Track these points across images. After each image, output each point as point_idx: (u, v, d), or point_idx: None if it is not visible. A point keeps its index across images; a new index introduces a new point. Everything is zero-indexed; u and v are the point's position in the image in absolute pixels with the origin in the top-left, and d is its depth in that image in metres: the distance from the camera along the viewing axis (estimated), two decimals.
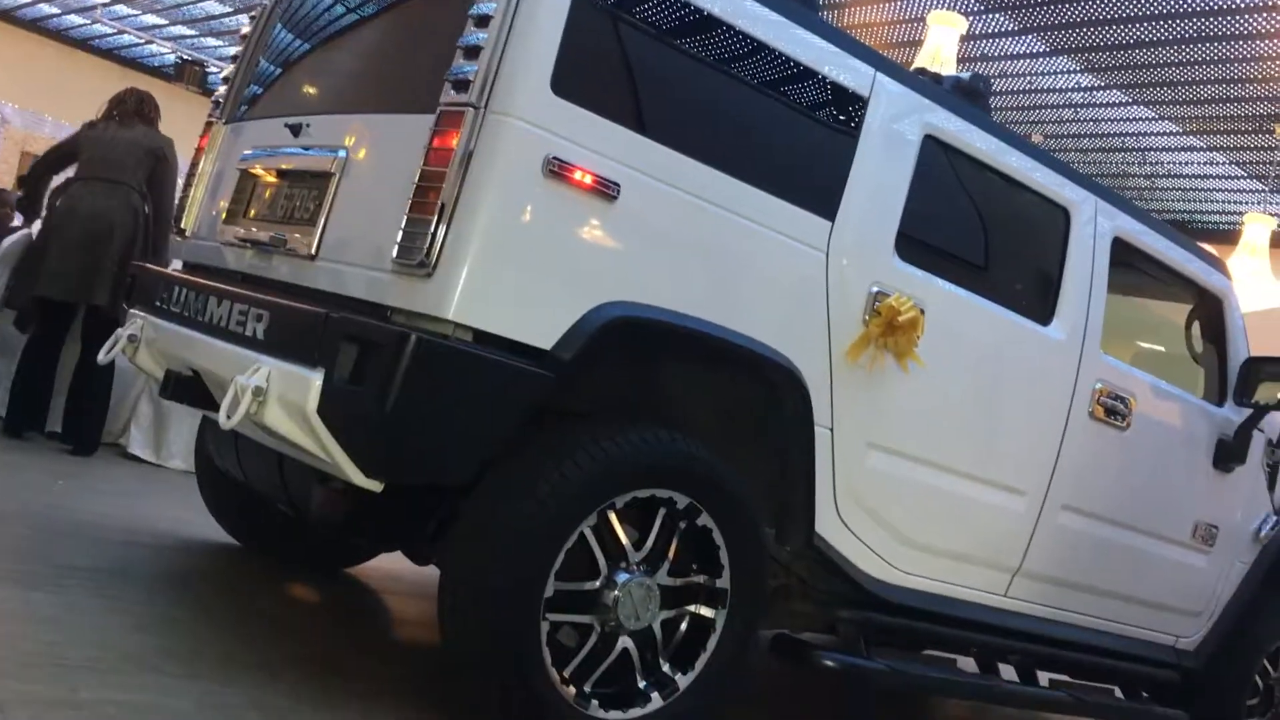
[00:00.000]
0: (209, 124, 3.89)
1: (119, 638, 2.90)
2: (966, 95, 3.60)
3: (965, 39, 7.98)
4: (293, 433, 2.75)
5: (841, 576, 3.34)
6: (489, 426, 2.66)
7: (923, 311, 3.28)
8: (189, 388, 3.24)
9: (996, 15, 8.64)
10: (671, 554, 2.97)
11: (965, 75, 3.64)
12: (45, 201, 5.68)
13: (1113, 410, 3.85)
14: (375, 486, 2.72)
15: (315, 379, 2.64)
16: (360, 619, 3.88)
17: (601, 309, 2.75)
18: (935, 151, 3.42)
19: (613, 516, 2.86)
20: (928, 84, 3.49)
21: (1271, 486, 4.51)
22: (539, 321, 2.69)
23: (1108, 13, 8.21)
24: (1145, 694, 4.44)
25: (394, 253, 2.67)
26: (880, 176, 3.27)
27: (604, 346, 2.76)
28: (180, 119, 6.81)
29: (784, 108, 3.13)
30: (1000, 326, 3.58)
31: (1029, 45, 9.23)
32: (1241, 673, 4.48)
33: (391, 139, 2.91)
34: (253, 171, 3.47)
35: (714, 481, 2.96)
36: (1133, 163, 11.98)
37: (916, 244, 3.38)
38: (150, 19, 15.08)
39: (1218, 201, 12.45)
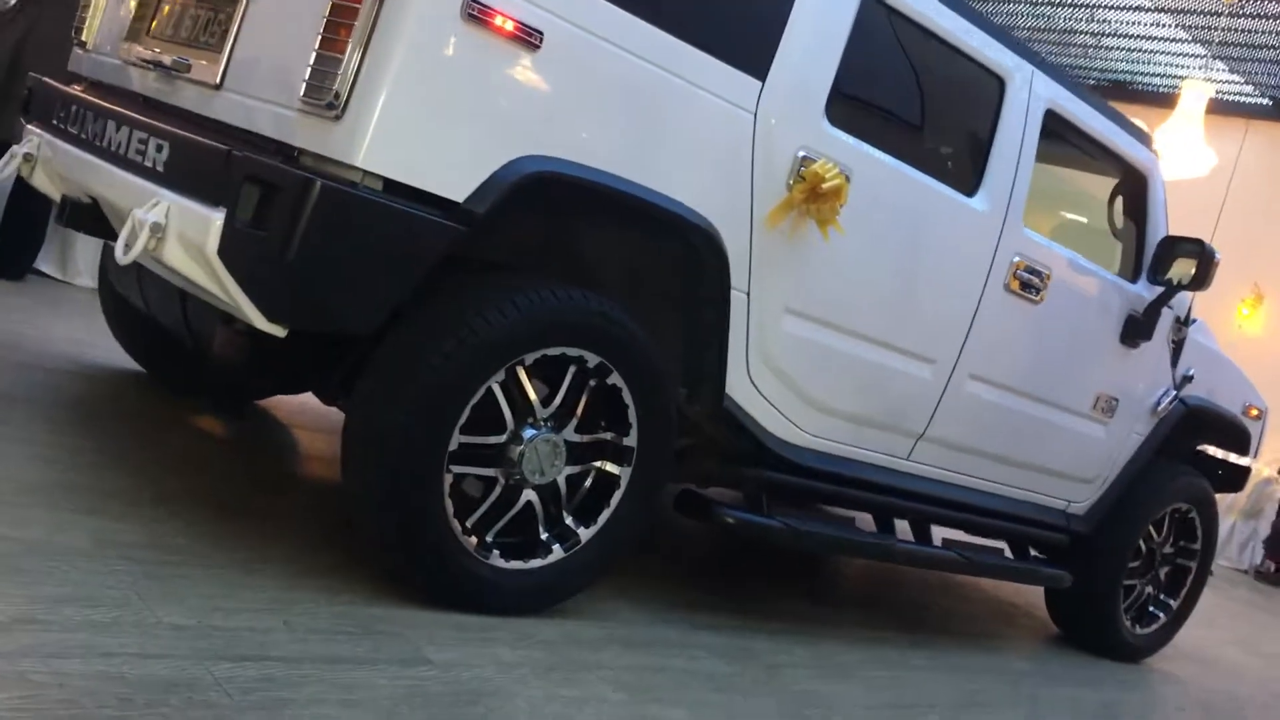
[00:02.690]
0: None
1: (18, 469, 2.86)
2: None
3: None
4: (192, 271, 2.66)
5: (748, 437, 3.38)
6: (395, 278, 2.59)
7: (848, 178, 3.23)
8: (86, 215, 3.12)
9: None
10: (580, 411, 2.98)
11: None
12: None
13: (1028, 284, 3.88)
14: (279, 331, 2.66)
15: (216, 218, 2.54)
16: (265, 453, 3.87)
17: (519, 162, 2.67)
18: (874, 11, 3.32)
19: (521, 372, 2.84)
20: None
21: (1174, 362, 4.62)
22: (452, 172, 2.60)
23: None
24: (1035, 554, 4.63)
25: (302, 90, 2.55)
26: (816, 36, 3.18)
27: (520, 201, 2.69)
28: None
29: None
30: (925, 196, 3.56)
31: None
32: (1126, 537, 4.68)
33: None
34: None
35: (626, 341, 2.94)
36: (1080, 19, 11.84)
37: (847, 108, 3.31)
38: None
39: (1160, 64, 12.40)
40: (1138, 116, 12.10)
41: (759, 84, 3.08)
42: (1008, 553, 4.53)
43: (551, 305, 2.80)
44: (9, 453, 2.95)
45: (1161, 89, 12.70)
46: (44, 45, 4.94)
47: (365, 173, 2.51)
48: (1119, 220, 4.48)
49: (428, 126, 2.56)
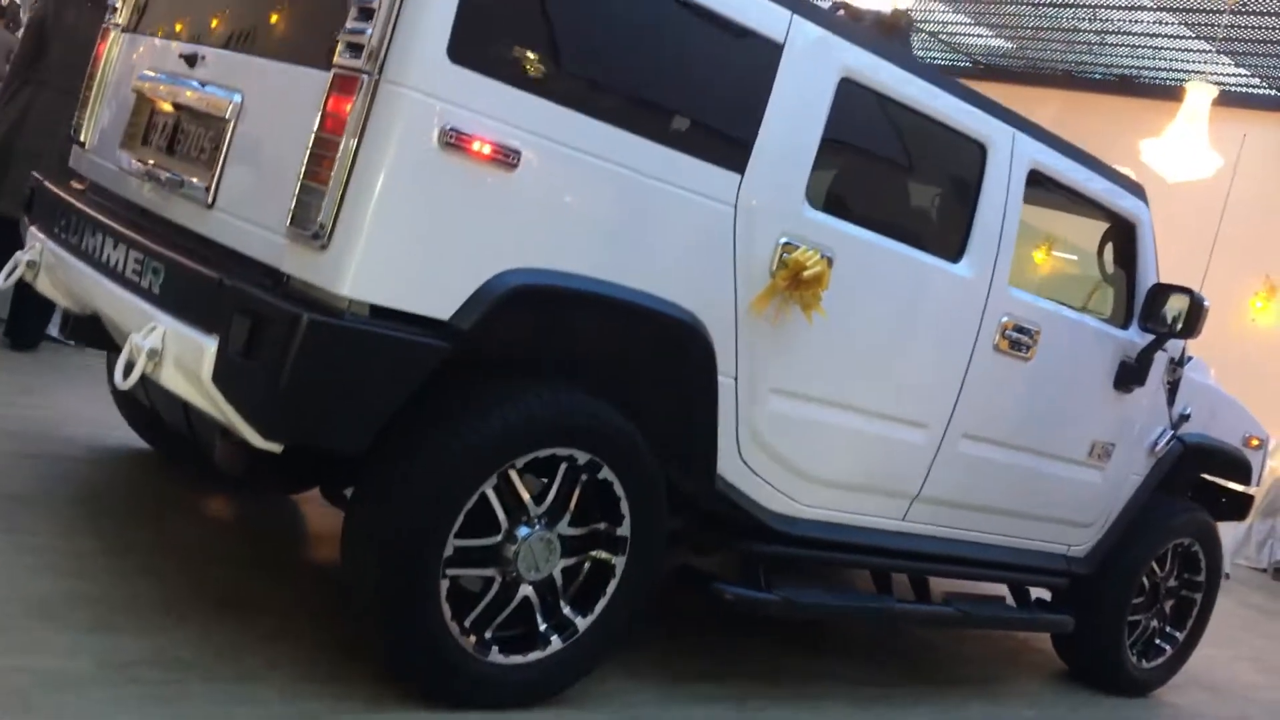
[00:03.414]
0: (105, 30, 3.74)
1: (27, 583, 2.95)
2: (887, 31, 3.52)
3: None
4: (190, 394, 2.76)
5: (742, 513, 3.44)
6: (385, 398, 2.67)
7: (830, 261, 3.29)
8: (89, 328, 3.22)
9: None
10: (573, 505, 3.05)
11: (886, 11, 3.55)
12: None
13: (1017, 343, 3.93)
14: (275, 448, 2.74)
15: (210, 346, 2.63)
16: (272, 538, 3.95)
17: (501, 277, 2.74)
18: (851, 94, 3.36)
19: (513, 474, 2.91)
20: (846, 23, 3.41)
21: (1171, 402, 4.66)
22: (437, 292, 2.68)
23: None
24: (1036, 598, 4.68)
25: (288, 219, 2.63)
26: (794, 125, 3.23)
27: (505, 311, 2.76)
28: None
29: (693, 59, 3.06)
30: (909, 268, 3.61)
31: None
32: (1128, 576, 4.72)
33: (288, 91, 2.82)
34: (149, 95, 3.35)
35: (616, 439, 3.01)
36: (1083, 19, 11.81)
37: (828, 189, 3.38)
38: None
39: (1165, 59, 12.35)
40: (1146, 110, 12.11)
41: (738, 177, 3.14)
42: (1010, 599, 4.59)
43: (540, 410, 2.87)
44: (18, 565, 3.04)
45: (1169, 81, 12.64)
46: (41, 127, 5.05)
47: (352, 301, 2.58)
48: (1109, 266, 4.52)
49: (411, 251, 2.63)
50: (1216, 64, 11.55)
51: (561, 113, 2.79)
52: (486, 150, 2.67)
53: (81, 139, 3.70)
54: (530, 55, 2.79)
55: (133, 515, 3.69)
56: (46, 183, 3.65)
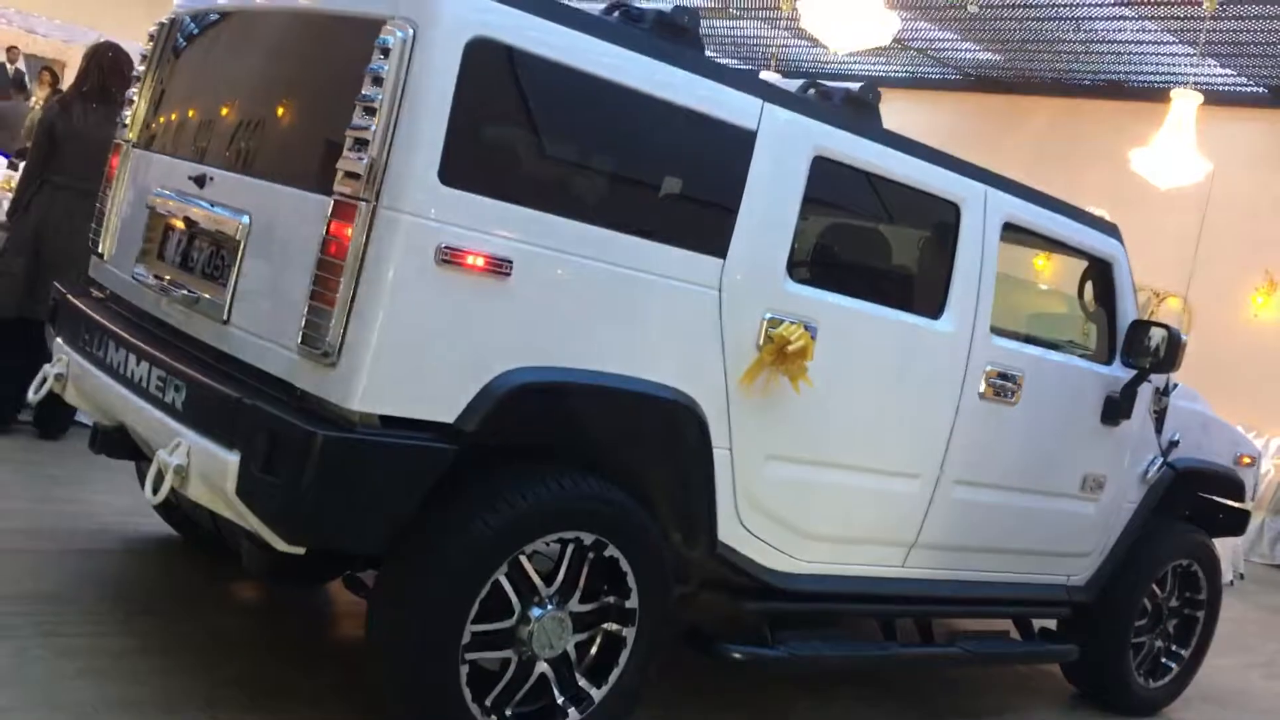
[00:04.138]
0: (118, 145, 3.92)
1: (68, 690, 3.11)
2: (858, 107, 3.70)
3: None
4: (216, 505, 2.94)
5: (745, 574, 3.61)
6: (400, 502, 2.85)
7: (814, 332, 3.46)
8: (118, 443, 3.40)
9: None
10: (582, 583, 3.22)
11: (855, 86, 3.72)
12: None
13: (1002, 390, 4.09)
14: (297, 550, 2.92)
15: (233, 461, 2.82)
16: (304, 623, 4.10)
17: (501, 378, 2.92)
18: (825, 170, 3.53)
19: (524, 560, 3.09)
20: (816, 104, 3.59)
21: (1159, 430, 4.80)
22: (442, 398, 2.86)
23: None
24: (1040, 628, 4.82)
25: (299, 338, 2.81)
26: (770, 207, 3.40)
27: (508, 408, 2.94)
28: None
29: (670, 154, 3.24)
30: (891, 329, 3.78)
31: None
32: (1129, 600, 4.86)
33: (293, 213, 3.00)
34: (162, 212, 3.53)
35: (619, 518, 3.18)
36: (1067, 30, 11.97)
37: (808, 262, 3.55)
38: None
39: (1150, 65, 12.49)
40: (1134, 113, 12.20)
41: (720, 261, 3.31)
42: (1014, 633, 4.73)
43: (546, 499, 3.05)
44: (59, 672, 3.20)
45: (1157, 84, 12.76)
46: (62, 229, 5.24)
47: (362, 414, 2.77)
48: (1090, 304, 4.67)
49: (416, 362, 2.82)
50: (1204, 64, 11.69)
51: (548, 219, 2.97)
52: (480, 263, 2.85)
53: (100, 250, 3.89)
54: (515, 169, 2.98)
55: (169, 609, 3.86)
56: (70, 295, 3.84)
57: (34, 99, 14.22)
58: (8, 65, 16.07)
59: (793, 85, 3.72)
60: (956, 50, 13.66)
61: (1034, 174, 5.02)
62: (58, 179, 5.34)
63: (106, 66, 5.55)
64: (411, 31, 2.76)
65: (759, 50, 15.05)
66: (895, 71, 14.77)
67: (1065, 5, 11.28)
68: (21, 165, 9.17)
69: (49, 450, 5.41)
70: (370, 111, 2.77)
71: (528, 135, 3.01)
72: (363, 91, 2.78)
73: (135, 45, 4.58)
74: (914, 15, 12.08)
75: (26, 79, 15.78)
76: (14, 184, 5.93)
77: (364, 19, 2.87)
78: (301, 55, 3.27)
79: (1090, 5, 11.14)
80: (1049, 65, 13.44)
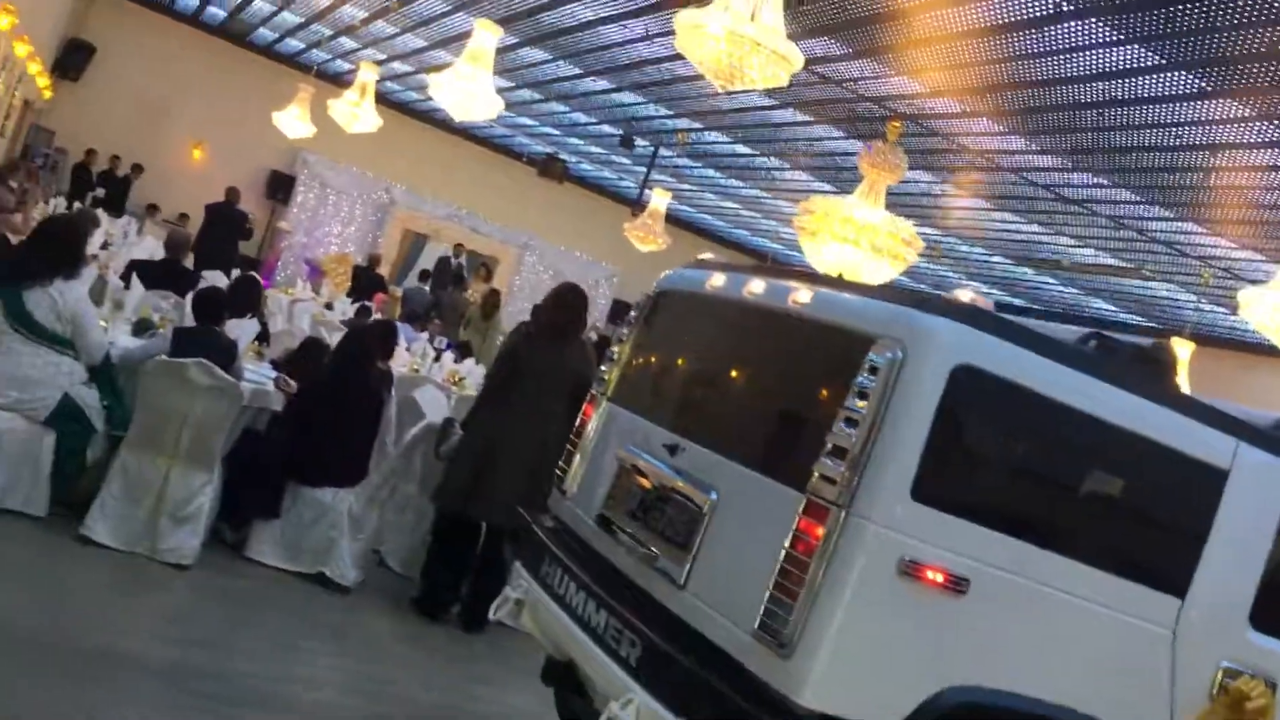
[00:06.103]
0: (593, 396, 4.35)
1: None
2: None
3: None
4: None
5: None
6: None
7: (1276, 688, 3.24)
8: (565, 676, 3.68)
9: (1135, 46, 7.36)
10: None
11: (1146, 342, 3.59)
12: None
13: None
14: None
15: None
16: None
17: (944, 694, 2.95)
18: None
19: None
20: None
21: None
22: (884, 706, 2.92)
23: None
24: None
25: (755, 623, 2.98)
26: (1237, 550, 3.27)
27: None
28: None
29: (1135, 489, 3.22)
30: None
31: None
32: None
33: (761, 500, 3.22)
34: (630, 467, 3.86)
35: None
36: None
37: (1272, 612, 3.35)
38: (524, 119, 16.46)
39: None
40: None
41: (1178, 601, 3.20)
42: None
43: None
44: None
45: None
46: (508, 446, 5.79)
47: (810, 711, 2.87)
48: None
49: (865, 667, 2.91)
50: None
51: (1009, 542, 3.02)
52: (939, 578, 2.93)
53: (564, 488, 4.28)
54: (982, 490, 3.07)
55: None
56: (534, 524, 4.24)
57: (469, 291, 15.94)
58: (452, 259, 18.11)
59: (1073, 333, 3.62)
60: None
61: None
62: (516, 405, 5.94)
63: (567, 306, 6.13)
64: (902, 353, 2.95)
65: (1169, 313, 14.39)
66: None
67: None
68: (455, 351, 10.31)
69: (472, 645, 5.82)
70: (853, 423, 2.96)
71: (998, 459, 3.10)
72: (847, 403, 2.99)
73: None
74: None
75: (465, 272, 17.70)
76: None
77: (856, 333, 3.10)
78: (788, 352, 3.54)
79: None
80: None
